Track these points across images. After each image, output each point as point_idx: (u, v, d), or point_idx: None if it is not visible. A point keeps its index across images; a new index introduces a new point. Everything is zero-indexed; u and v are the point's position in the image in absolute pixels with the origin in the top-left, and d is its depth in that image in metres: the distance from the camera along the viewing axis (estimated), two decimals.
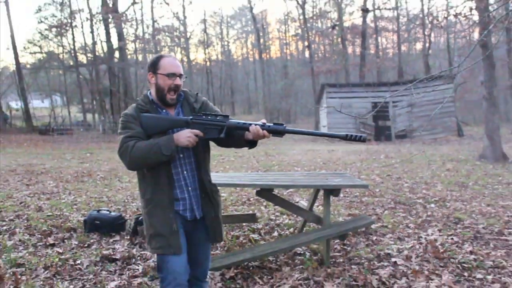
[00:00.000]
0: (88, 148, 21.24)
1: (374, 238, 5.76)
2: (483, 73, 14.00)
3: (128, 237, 5.72)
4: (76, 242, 5.52)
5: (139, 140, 2.70)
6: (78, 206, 7.62)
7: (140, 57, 42.31)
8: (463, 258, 4.90)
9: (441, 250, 5.13)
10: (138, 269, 4.58)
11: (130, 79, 36.07)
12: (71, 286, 4.15)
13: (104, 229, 5.85)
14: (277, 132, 2.67)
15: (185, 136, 2.67)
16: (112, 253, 5.07)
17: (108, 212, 6.11)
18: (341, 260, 4.92)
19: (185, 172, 2.83)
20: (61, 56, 41.16)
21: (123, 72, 33.61)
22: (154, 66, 2.82)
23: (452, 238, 5.68)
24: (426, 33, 36.46)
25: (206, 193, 2.89)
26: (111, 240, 5.63)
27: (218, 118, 2.74)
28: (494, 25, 8.33)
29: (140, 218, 5.99)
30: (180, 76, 2.80)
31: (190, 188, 2.85)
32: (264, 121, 2.71)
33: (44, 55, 40.08)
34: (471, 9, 8.94)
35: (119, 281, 4.28)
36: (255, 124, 2.66)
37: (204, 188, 2.88)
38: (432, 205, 7.67)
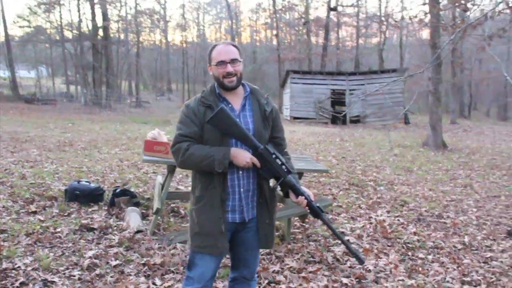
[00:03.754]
0: (70, 119, 20.63)
1: (330, 217, 5.77)
2: (431, 70, 14.14)
3: (106, 208, 5.56)
4: (57, 211, 5.32)
5: (193, 143, 2.38)
6: (59, 175, 7.38)
7: (122, 36, 41.32)
8: (407, 239, 4.96)
9: (389, 231, 5.18)
10: (114, 239, 4.44)
11: (112, 56, 35.53)
12: (51, 254, 3.99)
13: (83, 199, 5.67)
14: (314, 214, 2.47)
15: (244, 159, 2.34)
16: (90, 223, 4.91)
17: (88, 183, 5.94)
18: (300, 236, 4.90)
19: (240, 172, 2.44)
20: (48, 31, 39.84)
21: (106, 49, 32.96)
22: (209, 59, 2.48)
23: (398, 220, 5.74)
24: (381, 29, 36.70)
25: (264, 199, 2.51)
26: (89, 210, 5.46)
27: (282, 167, 2.39)
28: (445, 29, 8.36)
29: (118, 190, 5.84)
30: (232, 61, 2.41)
31: (242, 190, 2.46)
32: (312, 196, 2.45)
33: (32, 29, 38.73)
34: (425, 13, 8.98)
35: (96, 250, 4.13)
36: (305, 197, 2.40)
37: (263, 194, 2.50)
38: (382, 188, 7.74)
